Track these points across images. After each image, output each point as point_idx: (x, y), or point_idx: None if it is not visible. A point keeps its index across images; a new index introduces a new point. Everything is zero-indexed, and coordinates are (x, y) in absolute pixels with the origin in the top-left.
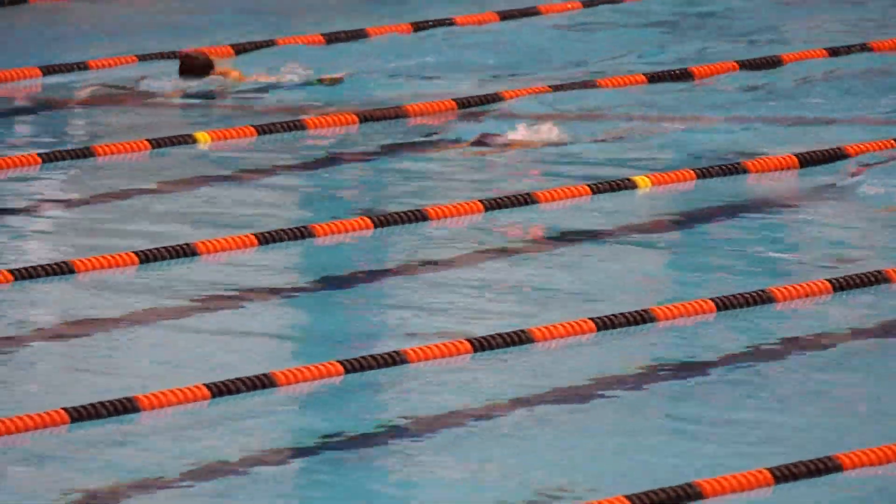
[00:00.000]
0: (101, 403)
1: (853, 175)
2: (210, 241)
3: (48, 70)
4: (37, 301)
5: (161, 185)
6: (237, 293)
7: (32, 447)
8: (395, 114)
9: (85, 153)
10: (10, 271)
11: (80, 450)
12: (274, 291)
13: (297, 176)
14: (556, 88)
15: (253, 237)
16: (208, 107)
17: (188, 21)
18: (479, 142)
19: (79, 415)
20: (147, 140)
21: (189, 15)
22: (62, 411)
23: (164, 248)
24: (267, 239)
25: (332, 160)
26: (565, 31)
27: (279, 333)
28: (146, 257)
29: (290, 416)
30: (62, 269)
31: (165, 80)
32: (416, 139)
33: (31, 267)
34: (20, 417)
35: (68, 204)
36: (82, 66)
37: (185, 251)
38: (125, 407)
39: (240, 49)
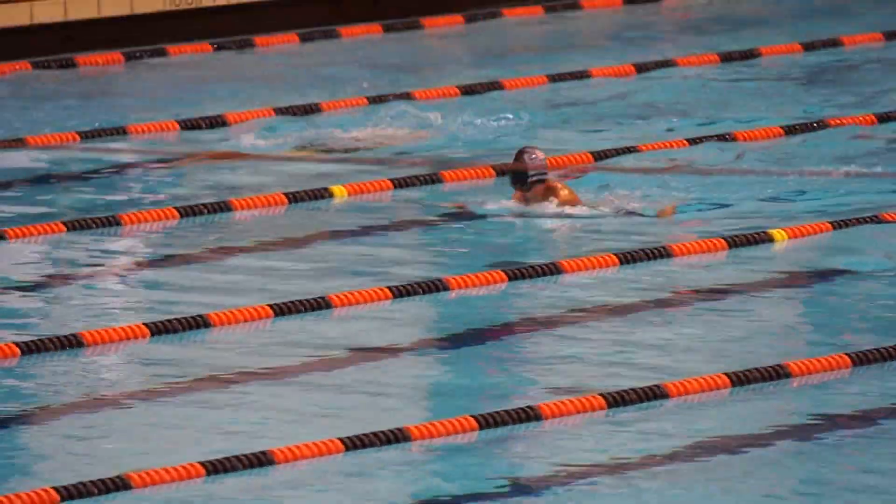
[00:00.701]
0: (237, 457)
1: None
2: (344, 295)
3: (186, 125)
4: (172, 354)
5: (297, 238)
6: (371, 347)
7: (169, 500)
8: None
9: (222, 207)
10: (146, 325)
11: (216, 502)
12: (408, 345)
13: (430, 229)
14: (692, 140)
15: (387, 290)
16: (344, 161)
17: (326, 73)
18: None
19: (214, 468)
20: (283, 194)
21: (326, 67)
22: (198, 465)
23: (298, 301)
24: (400, 292)
25: (465, 213)
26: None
27: (412, 387)
28: (280, 310)
29: (423, 470)
30: (198, 323)
31: (301, 133)
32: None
33: (167, 321)
34: (156, 471)
35: (205, 258)
36: (219, 121)
37: (320, 304)
38: (260, 460)
39: (375, 100)
